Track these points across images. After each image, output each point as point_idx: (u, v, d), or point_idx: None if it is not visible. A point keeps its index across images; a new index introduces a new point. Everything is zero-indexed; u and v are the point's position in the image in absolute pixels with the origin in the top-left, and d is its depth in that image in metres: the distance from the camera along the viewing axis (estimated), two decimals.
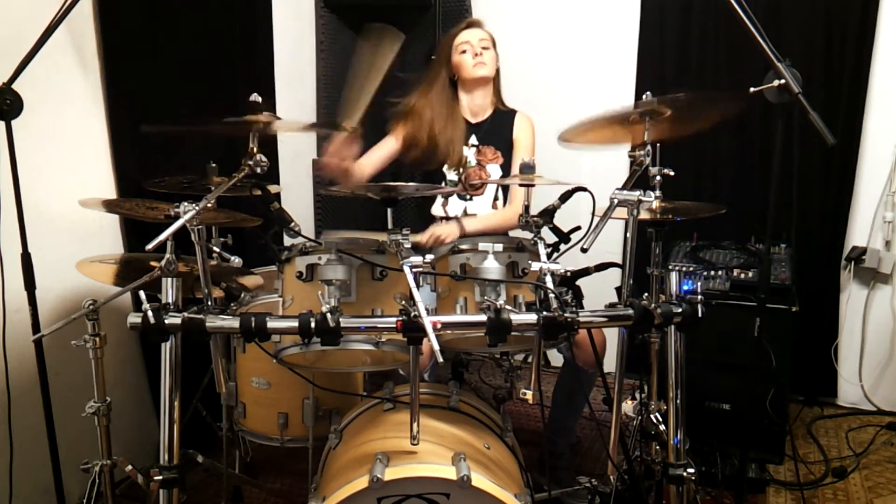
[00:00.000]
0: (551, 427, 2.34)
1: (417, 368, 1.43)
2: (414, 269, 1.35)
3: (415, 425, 1.44)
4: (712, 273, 2.53)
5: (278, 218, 1.48)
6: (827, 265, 2.93)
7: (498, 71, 2.48)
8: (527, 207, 1.68)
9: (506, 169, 2.46)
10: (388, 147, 2.44)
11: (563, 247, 1.64)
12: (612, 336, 1.70)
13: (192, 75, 2.48)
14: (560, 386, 2.33)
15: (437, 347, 1.25)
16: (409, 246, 1.42)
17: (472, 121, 2.47)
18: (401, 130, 2.44)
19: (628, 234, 1.48)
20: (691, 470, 1.54)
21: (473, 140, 2.46)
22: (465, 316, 1.52)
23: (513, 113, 2.52)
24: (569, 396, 2.29)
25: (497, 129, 2.48)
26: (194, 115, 2.41)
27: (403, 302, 1.41)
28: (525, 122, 2.50)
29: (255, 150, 1.41)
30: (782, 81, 1.65)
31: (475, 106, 2.47)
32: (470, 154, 2.45)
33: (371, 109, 1.95)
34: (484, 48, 2.39)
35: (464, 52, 2.39)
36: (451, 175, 2.43)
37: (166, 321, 1.36)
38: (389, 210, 1.56)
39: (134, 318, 1.35)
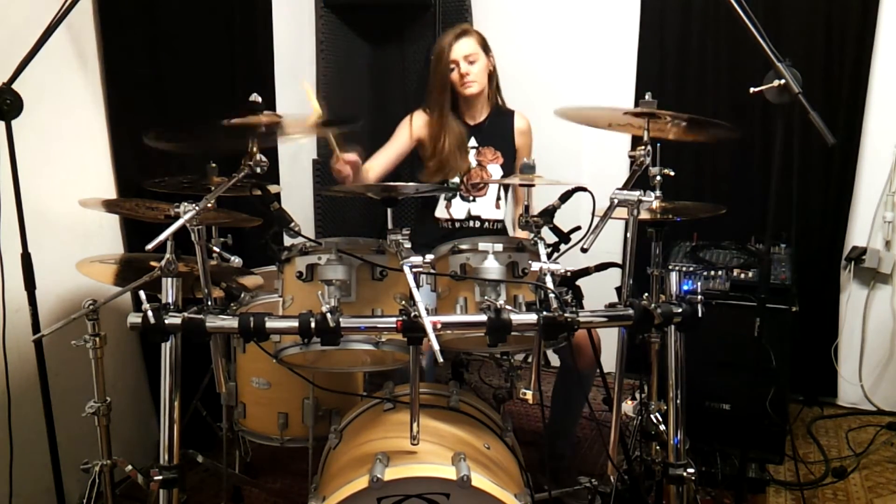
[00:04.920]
0: (551, 429, 2.35)
1: (417, 368, 1.43)
2: (414, 269, 1.35)
3: (415, 425, 1.44)
4: (712, 273, 2.53)
5: (278, 218, 1.48)
6: (827, 265, 2.93)
7: (494, 71, 2.47)
8: (527, 207, 1.68)
9: (506, 169, 2.46)
10: (398, 145, 2.45)
11: (563, 247, 1.63)
12: (611, 336, 1.70)
13: (191, 75, 2.48)
14: (558, 389, 2.33)
15: (437, 347, 1.25)
16: (408, 246, 1.42)
17: (471, 123, 2.47)
18: (413, 129, 2.46)
19: (628, 234, 1.48)
20: (691, 470, 1.54)
21: (473, 142, 2.46)
22: (465, 316, 1.52)
23: (511, 113, 2.52)
24: (566, 399, 2.30)
25: (496, 130, 2.48)
26: (194, 116, 2.42)
27: (403, 302, 1.41)
28: (524, 127, 2.51)
29: (254, 150, 1.41)
30: (782, 81, 1.65)
31: (472, 110, 2.48)
32: (470, 155, 2.45)
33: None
34: (472, 63, 2.37)
35: (452, 69, 2.39)
36: (454, 177, 2.44)
37: (166, 321, 1.36)
38: (389, 210, 1.56)
39: (134, 318, 1.35)
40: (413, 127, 2.46)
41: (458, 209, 2.46)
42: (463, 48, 2.38)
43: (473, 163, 2.45)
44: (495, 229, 2.47)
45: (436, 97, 2.43)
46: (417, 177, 2.50)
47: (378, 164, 2.41)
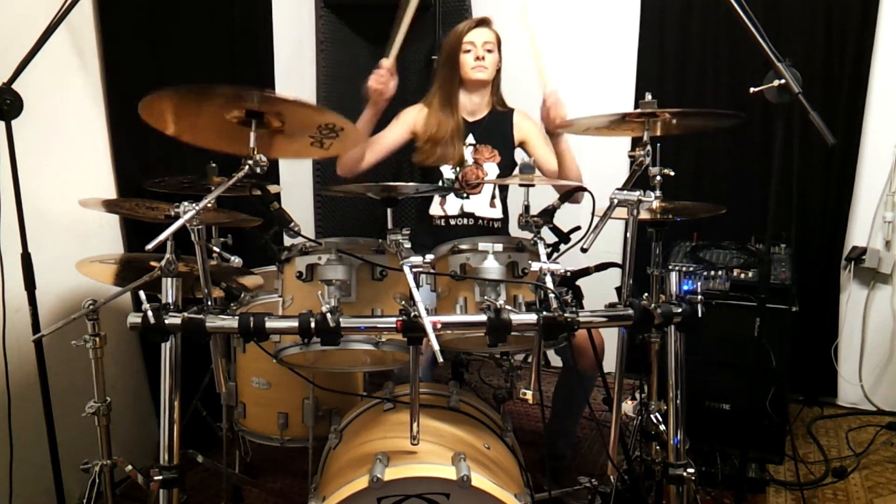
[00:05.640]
0: (552, 429, 2.35)
1: (417, 368, 1.43)
2: (414, 269, 1.35)
3: (415, 425, 1.44)
4: (712, 273, 2.53)
5: (278, 218, 1.48)
6: (827, 265, 2.93)
7: (498, 72, 2.48)
8: (527, 207, 1.68)
9: (503, 168, 2.46)
10: (394, 135, 2.44)
11: (563, 247, 1.63)
12: (611, 336, 1.70)
13: (192, 75, 2.47)
14: (559, 390, 2.33)
15: (437, 347, 1.25)
16: (408, 246, 1.42)
17: (469, 119, 2.47)
18: (409, 121, 2.45)
19: (628, 234, 1.48)
20: (691, 470, 1.55)
21: (470, 139, 2.45)
22: (465, 316, 1.52)
23: (510, 112, 2.51)
24: (568, 400, 2.29)
25: (494, 128, 2.47)
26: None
27: (403, 302, 1.41)
28: (526, 120, 2.50)
29: (254, 149, 1.41)
30: (782, 81, 1.65)
31: (473, 105, 2.46)
32: (467, 153, 2.44)
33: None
34: (488, 51, 2.39)
35: (467, 51, 2.39)
36: (449, 173, 2.43)
37: (166, 321, 1.36)
38: (389, 210, 1.56)
39: (134, 318, 1.35)
40: (409, 118, 2.45)
41: (452, 205, 2.45)
42: (483, 34, 2.40)
43: (470, 160, 2.44)
44: (490, 227, 2.47)
45: (445, 76, 2.43)
46: (410, 158, 2.49)
47: (373, 153, 2.39)
